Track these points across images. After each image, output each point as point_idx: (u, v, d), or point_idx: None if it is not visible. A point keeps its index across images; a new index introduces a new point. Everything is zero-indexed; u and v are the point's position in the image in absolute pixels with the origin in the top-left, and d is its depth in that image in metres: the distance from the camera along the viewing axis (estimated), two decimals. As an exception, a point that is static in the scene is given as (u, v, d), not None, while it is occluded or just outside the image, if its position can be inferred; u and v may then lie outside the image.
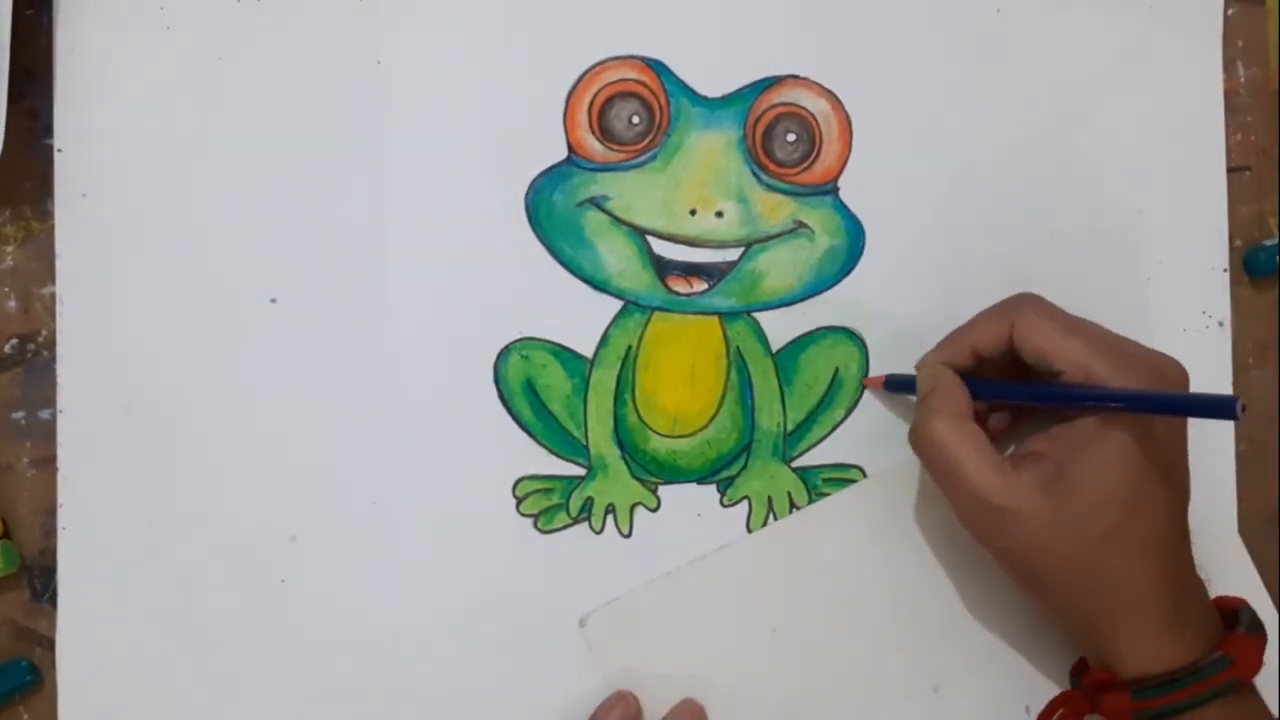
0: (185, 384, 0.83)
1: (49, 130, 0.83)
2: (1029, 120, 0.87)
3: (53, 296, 0.83)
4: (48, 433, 0.83)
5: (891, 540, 0.86)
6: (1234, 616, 0.76)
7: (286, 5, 0.84)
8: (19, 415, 0.83)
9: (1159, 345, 0.84)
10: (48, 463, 0.82)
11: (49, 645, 0.82)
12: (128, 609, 0.83)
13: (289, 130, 0.84)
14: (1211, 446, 0.87)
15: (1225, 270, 0.87)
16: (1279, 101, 0.89)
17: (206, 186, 0.84)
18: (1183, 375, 0.76)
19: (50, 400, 0.83)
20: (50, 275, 0.83)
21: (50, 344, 0.83)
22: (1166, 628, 0.72)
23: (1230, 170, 0.88)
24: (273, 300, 0.83)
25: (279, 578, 0.83)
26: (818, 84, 0.86)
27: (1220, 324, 0.87)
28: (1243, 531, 0.87)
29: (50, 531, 0.82)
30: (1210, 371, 0.88)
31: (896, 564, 0.86)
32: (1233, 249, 0.88)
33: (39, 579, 0.82)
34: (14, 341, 0.83)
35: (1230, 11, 0.89)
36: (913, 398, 0.83)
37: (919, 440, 0.77)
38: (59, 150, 0.83)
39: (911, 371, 0.83)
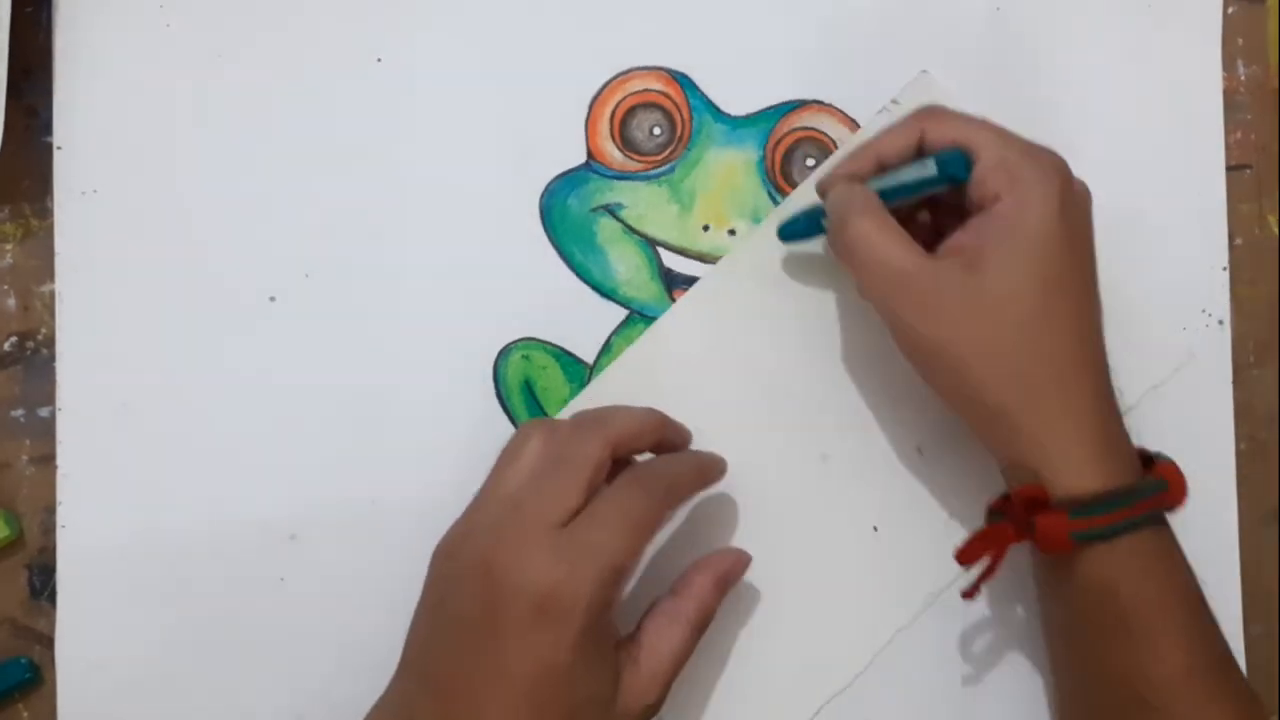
0: (184, 382, 0.83)
1: (48, 128, 0.83)
2: (1027, 118, 0.86)
3: (52, 294, 0.83)
4: (47, 430, 0.83)
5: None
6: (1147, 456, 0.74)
7: (288, 5, 0.85)
8: (18, 413, 0.83)
9: (1159, 343, 0.85)
10: (47, 460, 0.83)
11: (48, 643, 0.82)
12: (127, 607, 0.83)
13: (289, 128, 0.84)
14: (1211, 444, 0.87)
15: (1225, 269, 0.87)
16: (1279, 100, 0.88)
17: (206, 184, 0.84)
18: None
19: (49, 398, 0.83)
20: (49, 273, 0.83)
21: (49, 342, 0.83)
22: (1100, 438, 0.71)
23: (1230, 169, 0.88)
24: (272, 299, 0.83)
25: (279, 576, 0.83)
26: (841, 111, 0.86)
27: (1220, 323, 0.87)
28: (1242, 530, 0.87)
29: (50, 529, 0.82)
30: (1210, 370, 0.87)
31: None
32: (1233, 247, 0.87)
33: (38, 577, 0.83)
34: (13, 339, 0.83)
35: (1230, 10, 0.88)
36: (810, 248, 0.84)
37: (841, 243, 0.75)
38: (58, 148, 0.83)
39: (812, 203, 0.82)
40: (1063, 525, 0.69)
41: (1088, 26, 0.88)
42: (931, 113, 0.76)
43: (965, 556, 0.73)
